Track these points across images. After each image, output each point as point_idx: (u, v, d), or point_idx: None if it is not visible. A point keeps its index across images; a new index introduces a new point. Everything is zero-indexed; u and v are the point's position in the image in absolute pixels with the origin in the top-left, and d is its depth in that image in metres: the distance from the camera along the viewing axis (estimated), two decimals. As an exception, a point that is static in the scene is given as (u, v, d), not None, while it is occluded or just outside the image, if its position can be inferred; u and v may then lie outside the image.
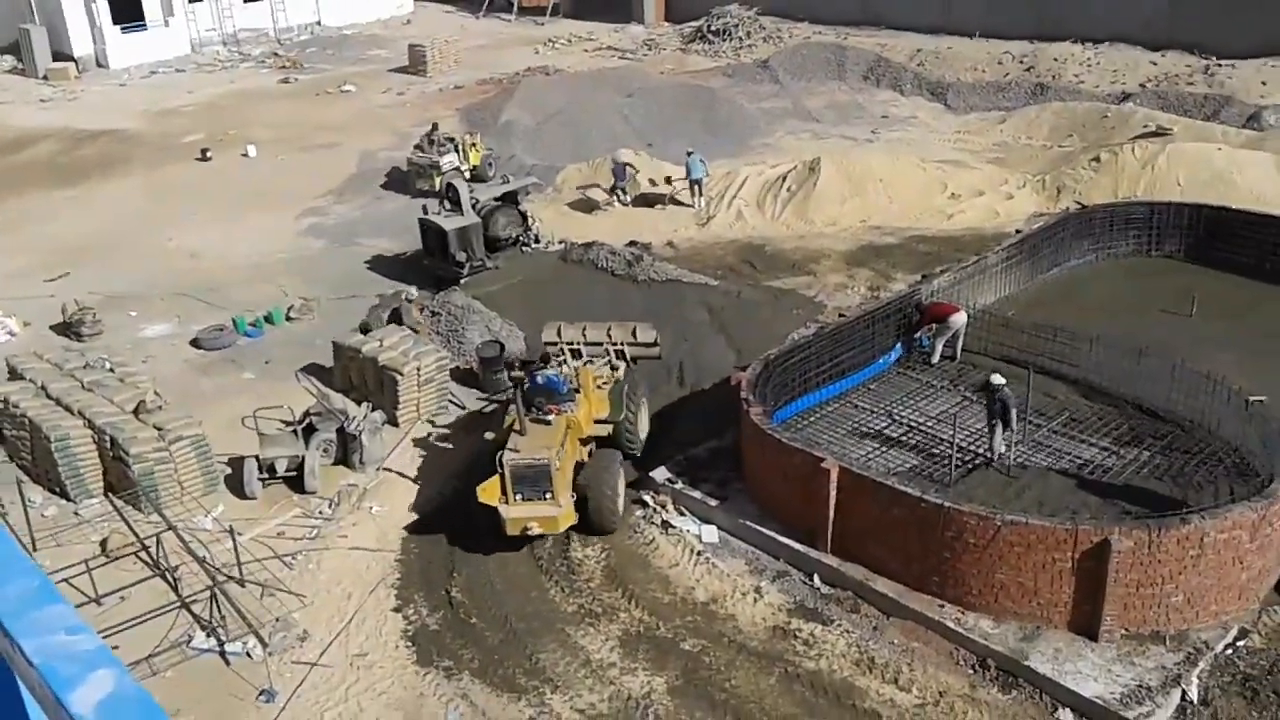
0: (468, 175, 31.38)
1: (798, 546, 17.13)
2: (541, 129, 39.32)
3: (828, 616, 16.06)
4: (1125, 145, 31.96)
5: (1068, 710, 14.28)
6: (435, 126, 34.75)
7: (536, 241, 29.22)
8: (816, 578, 16.79)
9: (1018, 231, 25.23)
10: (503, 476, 16.82)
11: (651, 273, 27.13)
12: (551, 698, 14.80)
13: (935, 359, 20.62)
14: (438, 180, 30.86)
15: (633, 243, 29.52)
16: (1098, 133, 35.73)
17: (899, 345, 20.87)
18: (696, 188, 32.35)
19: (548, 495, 16.99)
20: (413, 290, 26.66)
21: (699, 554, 17.47)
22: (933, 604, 15.83)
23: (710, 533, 17.94)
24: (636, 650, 15.55)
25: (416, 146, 34.25)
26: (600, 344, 21.76)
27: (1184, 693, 14.31)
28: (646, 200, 33.16)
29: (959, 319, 20.35)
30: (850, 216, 31.24)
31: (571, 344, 21.31)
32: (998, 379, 17.50)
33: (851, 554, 16.68)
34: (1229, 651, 15.01)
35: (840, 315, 22.02)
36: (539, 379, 18.05)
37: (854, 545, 16.65)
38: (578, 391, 18.56)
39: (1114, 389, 19.05)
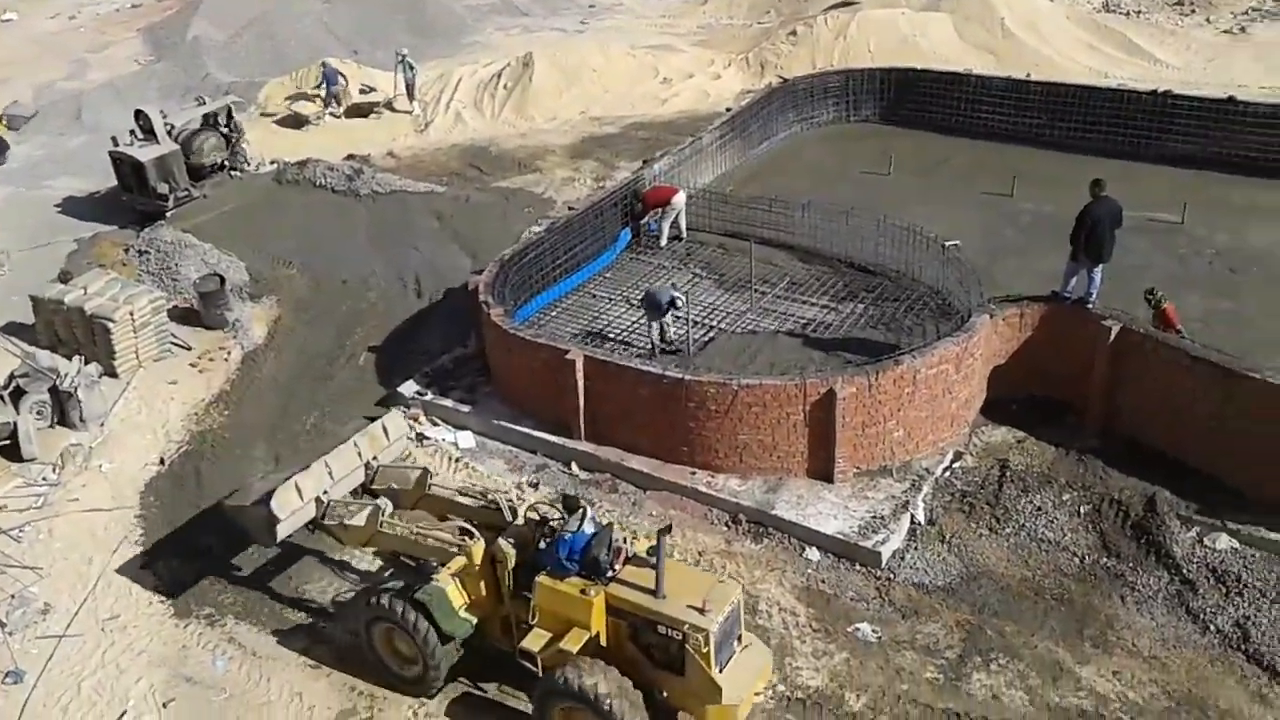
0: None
1: (553, 439, 17.46)
2: (235, 43, 36.98)
3: (588, 500, 16.46)
4: (818, 17, 33.39)
5: (814, 549, 15.43)
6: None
7: (246, 164, 27.67)
8: (574, 465, 17.21)
9: (728, 110, 26.03)
10: (702, 656, 11.57)
11: (374, 185, 26.37)
12: (325, 625, 14.62)
13: (664, 241, 21.20)
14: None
15: (350, 156, 28.50)
16: (793, 6, 37.09)
17: (627, 232, 21.29)
18: (411, 92, 31.45)
19: (739, 639, 12.34)
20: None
21: (457, 461, 17.50)
22: (684, 472, 16.60)
23: (466, 438, 17.99)
24: (406, 564, 15.49)
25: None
26: (360, 478, 14.77)
27: (913, 517, 15.75)
28: (360, 110, 31.97)
29: (679, 199, 20.95)
30: (569, 109, 31.32)
31: (324, 499, 14.04)
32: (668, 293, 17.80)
33: (605, 438, 17.17)
34: (947, 474, 16.59)
35: (570, 209, 22.18)
36: (576, 543, 12.19)
37: (606, 429, 17.14)
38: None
39: (827, 250, 20.24)
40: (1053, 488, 16.03)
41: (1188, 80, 29.33)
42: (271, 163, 28.02)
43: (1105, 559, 14.96)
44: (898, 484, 16.31)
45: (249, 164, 27.69)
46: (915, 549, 15.31)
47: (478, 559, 12.78)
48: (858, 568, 15.15)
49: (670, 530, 12.07)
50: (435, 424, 18.32)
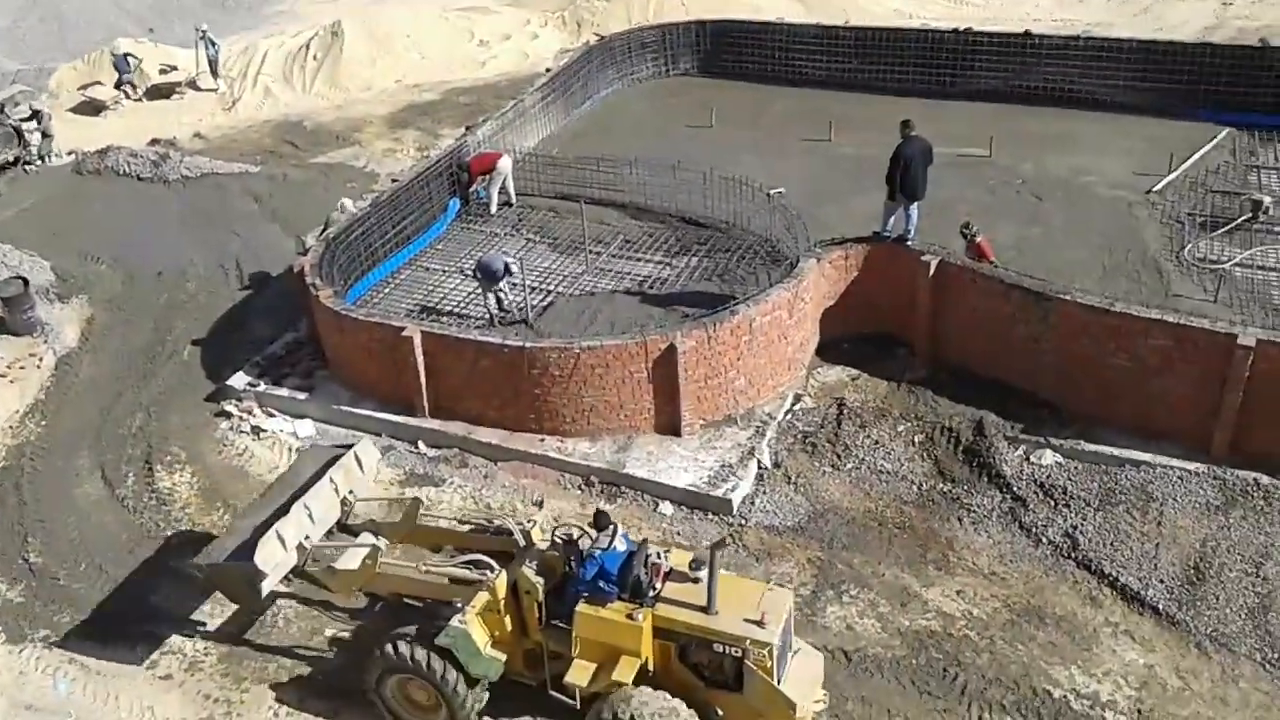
0: None
1: (397, 418, 17.13)
2: (18, 28, 34.49)
3: (439, 477, 16.32)
4: (631, -28, 33.27)
5: (667, 503, 15.64)
6: None
7: (41, 159, 25.94)
8: (421, 444, 16.93)
9: (547, 70, 25.76)
10: (766, 671, 10.96)
11: (183, 170, 25.15)
12: (171, 635, 14.03)
13: (494, 208, 20.91)
14: None
15: (155, 141, 27.08)
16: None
17: (456, 201, 20.92)
18: (214, 69, 30.02)
19: (793, 646, 11.72)
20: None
21: (298, 451, 16.98)
22: (534, 440, 16.54)
23: (305, 426, 17.46)
24: (253, 562, 15.01)
25: None
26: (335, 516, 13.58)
27: (759, 462, 16.12)
28: (161, 92, 30.37)
29: (505, 164, 20.67)
30: (384, 78, 30.47)
31: (306, 545, 12.82)
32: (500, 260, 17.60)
33: (450, 413, 16.94)
34: (789, 417, 17.02)
35: (394, 181, 21.62)
36: (611, 563, 11.42)
37: (451, 404, 16.90)
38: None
39: (658, 206, 20.34)
40: (888, 421, 16.65)
41: (988, 17, 30.55)
42: (69, 153, 26.36)
43: (941, 484, 15.65)
44: (743, 432, 16.65)
45: (52, 156, 25.96)
46: (764, 493, 15.69)
47: (501, 593, 11.66)
48: (711, 517, 15.43)
49: (725, 544, 11.34)
50: (271, 415, 17.71)
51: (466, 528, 13.07)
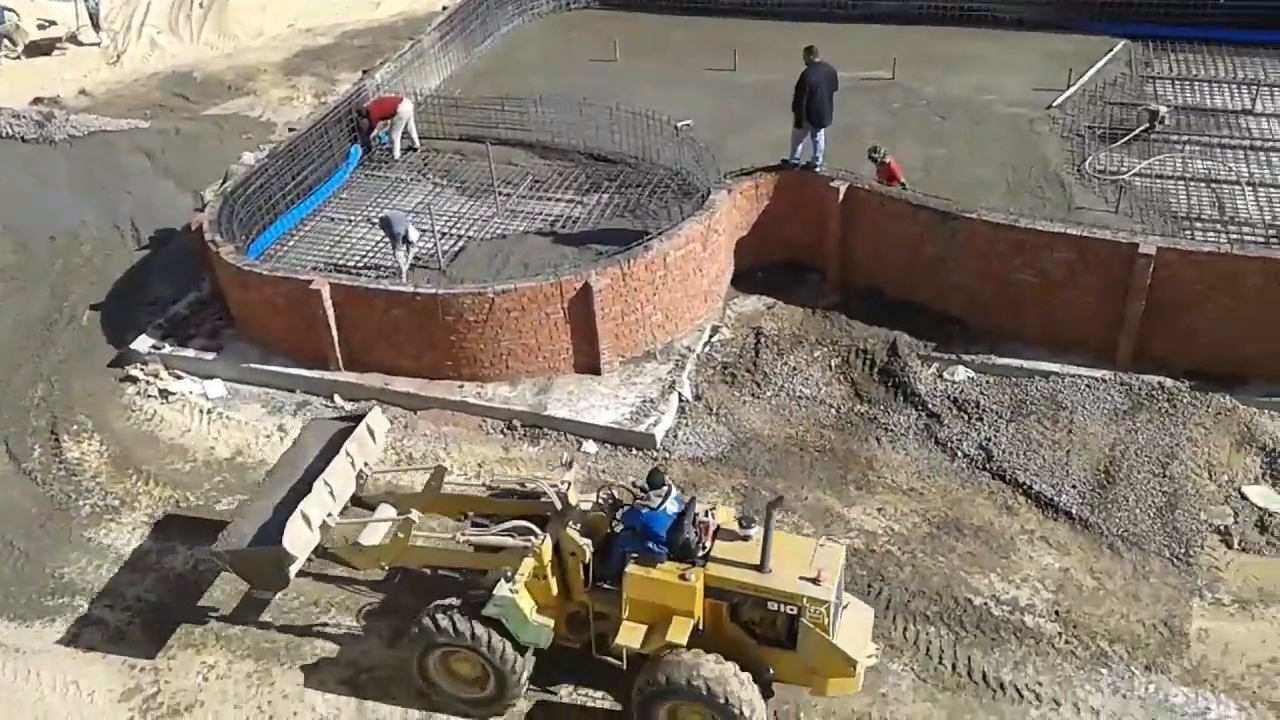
0: None
1: (310, 374, 16.81)
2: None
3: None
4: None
5: (590, 441, 15.64)
6: None
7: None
8: (337, 398, 16.65)
9: (444, 9, 25.10)
10: (822, 628, 10.68)
11: (69, 129, 24.01)
12: (90, 607, 13.71)
13: (398, 153, 20.43)
14: None
15: (38, 100, 25.91)
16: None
17: (358, 149, 20.39)
18: (95, 22, 28.72)
19: (842, 599, 11.25)
20: None
21: (209, 412, 16.60)
22: (452, 387, 16.38)
23: (215, 387, 17.05)
24: (170, 529, 14.71)
25: None
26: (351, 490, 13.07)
27: (680, 395, 16.17)
28: (41, 48, 29.01)
29: (406, 108, 20.18)
30: (275, 23, 29.47)
31: (330, 523, 12.36)
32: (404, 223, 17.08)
33: (365, 365, 16.66)
34: (707, 349, 17.07)
35: (291, 130, 20.99)
36: (659, 524, 10.97)
37: (365, 355, 16.63)
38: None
39: (565, 143, 20.06)
40: (804, 347, 16.80)
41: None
42: (-56, 118, 25.04)
43: (859, 406, 15.88)
44: (662, 366, 16.67)
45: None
46: (686, 425, 15.77)
47: (547, 558, 11.30)
48: (635, 452, 15.47)
49: (781, 502, 10.96)
50: (179, 377, 17.24)
51: (488, 493, 12.59)
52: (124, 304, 19.12)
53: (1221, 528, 13.69)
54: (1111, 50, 21.32)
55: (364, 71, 22.25)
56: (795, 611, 10.58)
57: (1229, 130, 18.68)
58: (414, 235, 17.04)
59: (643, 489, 11.21)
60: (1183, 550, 13.34)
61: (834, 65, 17.32)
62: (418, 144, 20.61)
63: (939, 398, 15.69)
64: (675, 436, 15.61)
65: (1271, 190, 16.92)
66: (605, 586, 11.22)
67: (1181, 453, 14.52)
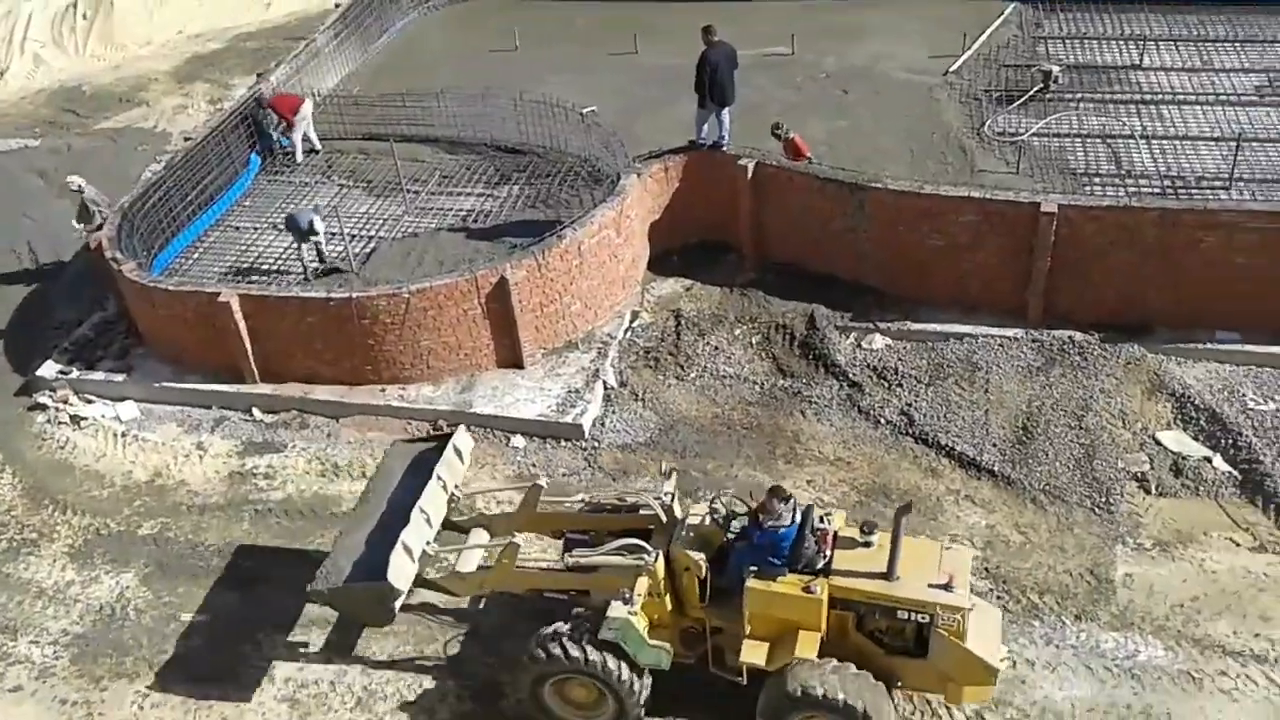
0: None
1: (226, 388, 16.47)
2: None
3: (280, 443, 15.81)
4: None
5: (518, 436, 15.57)
6: None
7: None
8: (255, 410, 16.34)
9: (337, 5, 24.64)
10: (958, 635, 10.32)
11: (-47, 152, 23.20)
12: (14, 644, 13.29)
13: (300, 156, 20.03)
14: None
15: (-84, 124, 24.88)
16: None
17: (257, 156, 19.93)
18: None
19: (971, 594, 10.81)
20: None
21: (123, 435, 16.17)
22: (374, 392, 16.18)
23: (128, 409, 16.61)
24: (92, 558, 14.32)
25: None
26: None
27: (605, 383, 16.17)
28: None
29: (306, 108, 19.77)
30: (164, 30, 28.69)
31: (430, 551, 11.77)
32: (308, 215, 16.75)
33: (282, 375, 16.38)
34: (628, 335, 17.09)
35: (187, 139, 20.45)
36: (785, 537, 10.52)
37: (282, 366, 16.34)
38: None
39: (471, 137, 19.85)
40: (725, 326, 16.91)
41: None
42: None
43: (782, 381, 16.04)
44: (585, 355, 16.64)
45: None
46: (613, 413, 15.78)
47: (661, 575, 10.83)
48: (564, 443, 15.44)
49: (910, 508, 10.41)
50: (90, 401, 16.76)
51: (585, 509, 12.10)
52: (27, 329, 18.52)
53: (1138, 474, 14.12)
54: (1003, 13, 21.72)
55: (259, 75, 21.76)
56: (927, 619, 10.21)
57: (1120, 86, 19.18)
58: (319, 227, 16.68)
59: (758, 505, 10.69)
60: (1103, 499, 13.74)
61: (734, 43, 17.38)
62: (318, 145, 20.22)
63: (859, 367, 15.91)
64: (603, 425, 15.61)
65: (1164, 142, 17.41)
66: (722, 600, 10.78)
67: (1095, 404, 14.93)
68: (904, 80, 19.94)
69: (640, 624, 10.74)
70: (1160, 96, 18.75)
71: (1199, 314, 15.60)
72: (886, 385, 15.64)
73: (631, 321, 17.33)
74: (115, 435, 16.16)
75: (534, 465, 15.12)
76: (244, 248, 18.00)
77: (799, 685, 10.15)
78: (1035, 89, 18.82)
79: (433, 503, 11.81)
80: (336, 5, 24.74)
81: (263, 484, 15.20)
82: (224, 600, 13.55)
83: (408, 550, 11.19)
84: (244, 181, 19.50)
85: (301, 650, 12.84)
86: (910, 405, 15.28)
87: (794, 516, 10.42)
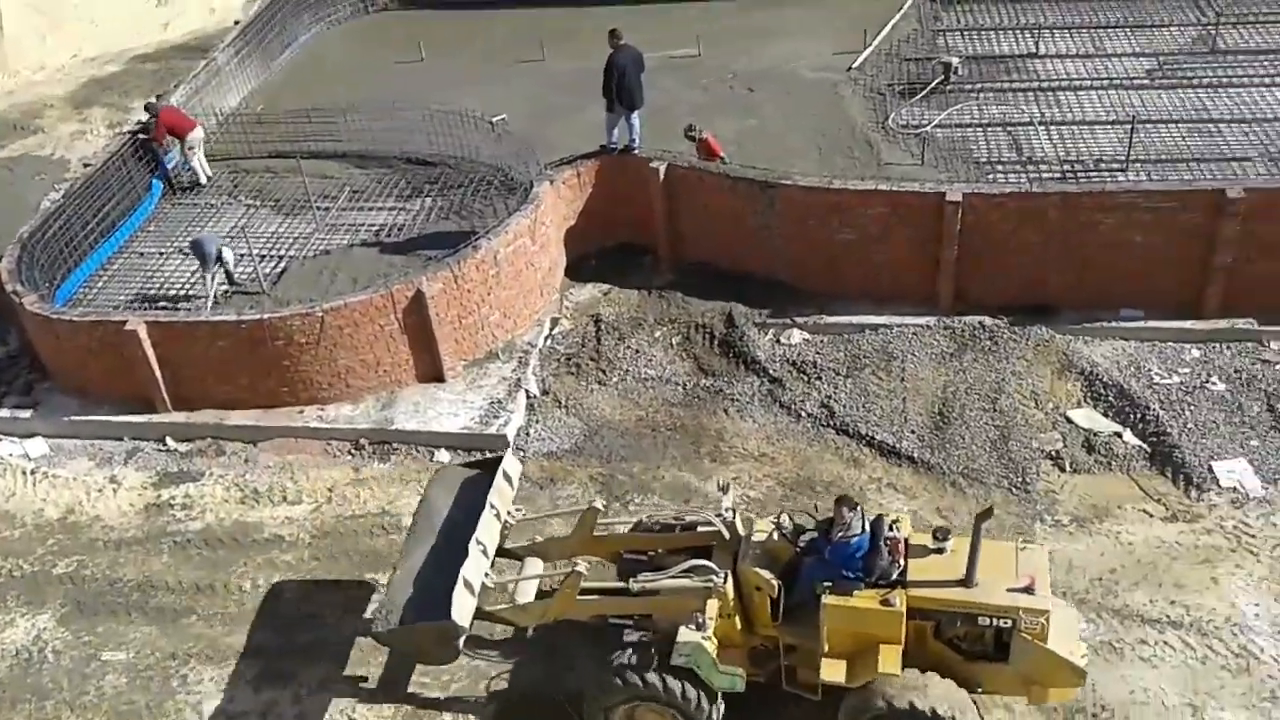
0: None
1: (137, 419, 16.09)
2: None
3: (196, 472, 15.49)
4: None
5: (442, 450, 15.44)
6: None
7: None
8: (169, 440, 15.98)
9: (237, 23, 24.21)
10: (1042, 639, 10.20)
11: None
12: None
13: (204, 178, 19.60)
14: None
15: None
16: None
17: (158, 182, 19.46)
18: None
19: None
20: None
21: (32, 473, 15.70)
22: (292, 414, 15.92)
23: (36, 445, 16.13)
24: (5, 600, 13.87)
25: None
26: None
27: (527, 392, 16.11)
28: None
29: (196, 135, 19.15)
30: (58, 54, 27.88)
31: (489, 584, 11.39)
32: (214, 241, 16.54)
33: (196, 402, 16.05)
34: (549, 342, 17.05)
35: (86, 165, 19.92)
36: (858, 549, 10.41)
37: (195, 393, 16.00)
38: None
39: (381, 150, 19.60)
40: (644, 329, 16.96)
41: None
42: None
43: (704, 380, 16.14)
44: (506, 365, 16.57)
45: None
46: (537, 421, 15.74)
47: (730, 596, 10.64)
48: (490, 455, 15.32)
49: (991, 513, 10.01)
50: (-4, 440, 16.27)
51: (642, 530, 11.78)
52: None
53: (1053, 453, 14.48)
54: (902, 8, 22.09)
55: (158, 96, 21.24)
56: (1009, 624, 10.06)
57: (1018, 74, 19.64)
58: (228, 255, 16.41)
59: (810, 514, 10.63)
60: (1020, 479, 14.05)
61: (641, 47, 17.46)
62: (205, 177, 19.41)
63: (778, 362, 16.07)
64: (527, 434, 15.56)
65: (1063, 127, 17.87)
66: (793, 617, 10.60)
67: (1008, 387, 15.27)
68: (810, 78, 20.18)
69: (711, 648, 10.52)
70: (1057, 83, 19.24)
71: (1102, 293, 16.04)
72: (806, 379, 15.82)
73: (551, 329, 17.29)
74: (24, 473, 15.69)
75: (460, 479, 14.99)
76: (150, 274, 17.58)
77: (885, 700, 9.98)
78: (936, 81, 19.18)
79: (488, 533, 11.44)
80: (237, 23, 24.31)
81: (180, 515, 14.87)
82: (146, 636, 13.22)
83: (468, 585, 10.82)
84: (147, 207, 19.03)
85: (226, 683, 12.54)
86: (830, 397, 15.47)
87: (863, 525, 10.29)
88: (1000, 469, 14.21)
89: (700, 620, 10.50)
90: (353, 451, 15.60)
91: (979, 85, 19.28)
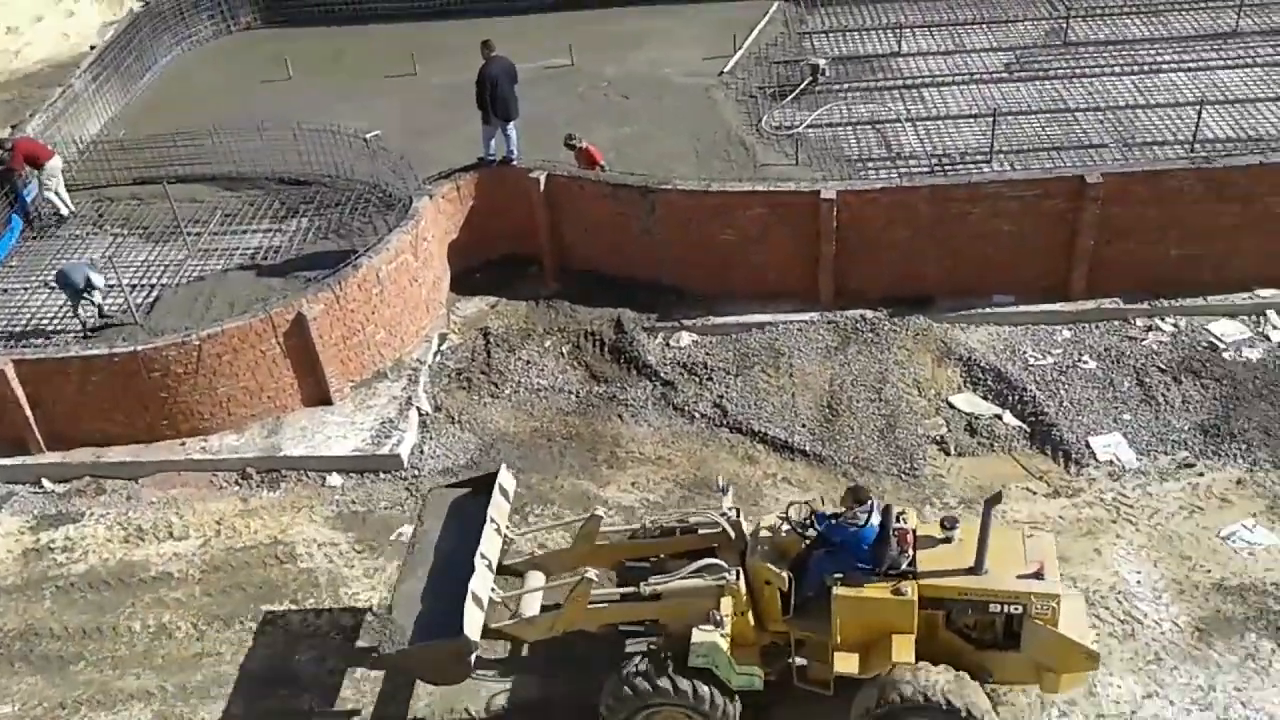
0: None
1: (8, 461, 15.42)
2: None
3: (75, 513, 14.90)
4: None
5: (334, 474, 15.14)
6: None
7: None
8: (45, 481, 15.33)
9: (93, 48, 23.35)
10: (1052, 623, 10.16)
11: None
12: None
13: (65, 210, 18.83)
14: None
15: None
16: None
17: (17, 217, 18.63)
18: None
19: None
20: None
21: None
22: (174, 447, 15.45)
23: (-101, 497, 15.30)
24: (-128, 662, 13.12)
25: None
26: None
27: (419, 410, 15.91)
28: None
29: (55, 164, 18.42)
30: (-102, 86, 26.49)
31: (496, 599, 11.24)
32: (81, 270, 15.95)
33: (70, 440, 15.46)
34: (438, 358, 16.88)
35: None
36: (864, 540, 10.36)
37: (70, 430, 15.42)
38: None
39: (251, 172, 19.14)
40: (534, 339, 16.93)
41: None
42: None
43: (596, 387, 16.18)
44: (395, 383, 16.35)
45: None
46: (431, 439, 15.56)
47: (743, 594, 10.55)
48: (383, 476, 15.12)
49: (1000, 499, 9.96)
50: None
51: (643, 535, 11.72)
52: None
53: (938, 438, 14.92)
54: (768, 13, 22.54)
55: (12, 127, 20.41)
56: (1020, 610, 10.04)
57: (883, 73, 20.21)
58: (98, 281, 15.80)
59: (835, 511, 10.60)
60: (908, 465, 14.44)
61: (514, 57, 17.43)
62: (66, 210, 18.74)
63: (669, 365, 16.21)
64: (422, 452, 15.37)
65: (929, 123, 18.45)
66: (803, 611, 10.56)
67: (891, 376, 15.69)
68: (682, 84, 20.43)
69: (724, 645, 10.48)
70: (921, 80, 19.85)
71: (975, 281, 16.61)
72: (697, 380, 15.99)
73: (440, 344, 17.12)
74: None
75: (354, 502, 14.75)
76: (14, 311, 16.84)
77: (898, 692, 9.93)
78: (805, 83, 19.61)
79: (490, 548, 11.29)
80: (92, 47, 23.46)
81: (61, 558, 14.27)
82: (32, 687, 12.64)
83: (478, 601, 10.65)
84: (7, 242, 18.22)
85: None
86: (722, 397, 15.67)
87: (870, 516, 10.31)
88: (889, 457, 14.58)
89: (718, 618, 10.48)
90: (240, 482, 15.19)
91: (846, 85, 19.79)
